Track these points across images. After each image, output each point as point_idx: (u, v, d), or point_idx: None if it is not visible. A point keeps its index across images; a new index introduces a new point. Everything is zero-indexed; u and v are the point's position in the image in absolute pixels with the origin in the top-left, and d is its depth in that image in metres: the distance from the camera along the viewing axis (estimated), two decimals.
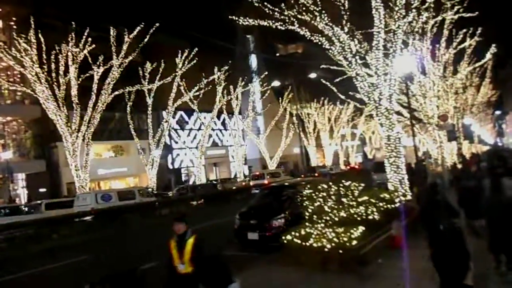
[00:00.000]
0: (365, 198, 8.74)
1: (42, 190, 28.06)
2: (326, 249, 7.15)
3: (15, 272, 10.46)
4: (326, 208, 8.00)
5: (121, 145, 35.91)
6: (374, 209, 8.61)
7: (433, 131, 21.79)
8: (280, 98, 43.98)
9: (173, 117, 42.24)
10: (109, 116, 33.36)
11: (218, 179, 41.76)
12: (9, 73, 27.14)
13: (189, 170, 42.66)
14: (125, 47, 23.65)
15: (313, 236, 7.52)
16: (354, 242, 7.09)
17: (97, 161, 33.44)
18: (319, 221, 7.87)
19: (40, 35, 21.62)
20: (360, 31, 11.66)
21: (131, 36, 23.77)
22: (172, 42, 32.90)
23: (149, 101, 29.34)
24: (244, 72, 42.53)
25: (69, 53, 22.16)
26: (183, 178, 42.22)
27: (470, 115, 36.60)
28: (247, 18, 12.24)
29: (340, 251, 7.05)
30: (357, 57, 11.42)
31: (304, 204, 8.30)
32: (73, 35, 22.14)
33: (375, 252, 7.58)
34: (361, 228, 7.48)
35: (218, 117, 44.27)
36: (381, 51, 11.21)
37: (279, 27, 11.78)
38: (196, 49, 29.73)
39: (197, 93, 31.65)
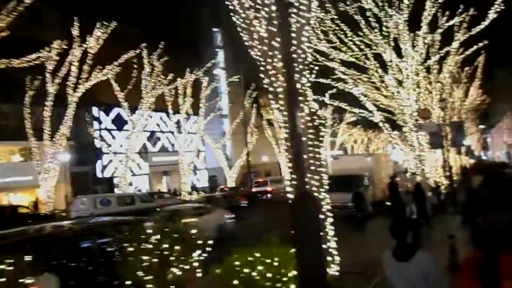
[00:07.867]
0: None
1: None
2: None
3: None
4: None
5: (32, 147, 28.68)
6: None
7: (410, 134, 15.56)
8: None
9: (107, 115, 35.55)
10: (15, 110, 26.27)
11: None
12: None
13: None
14: None
15: None
16: None
17: None
18: None
19: None
20: None
21: None
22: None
23: (50, 89, 22.55)
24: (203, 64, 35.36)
25: None
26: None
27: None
28: None
29: None
30: None
31: None
32: None
33: None
34: None
35: (169, 117, 37.73)
36: None
37: None
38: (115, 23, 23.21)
39: (110, 75, 24.63)
